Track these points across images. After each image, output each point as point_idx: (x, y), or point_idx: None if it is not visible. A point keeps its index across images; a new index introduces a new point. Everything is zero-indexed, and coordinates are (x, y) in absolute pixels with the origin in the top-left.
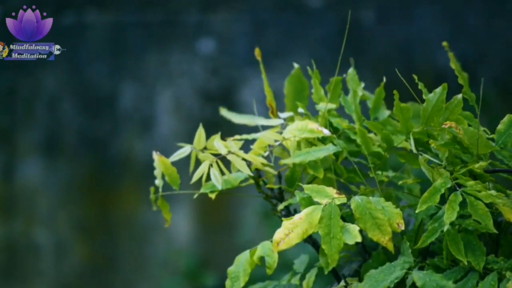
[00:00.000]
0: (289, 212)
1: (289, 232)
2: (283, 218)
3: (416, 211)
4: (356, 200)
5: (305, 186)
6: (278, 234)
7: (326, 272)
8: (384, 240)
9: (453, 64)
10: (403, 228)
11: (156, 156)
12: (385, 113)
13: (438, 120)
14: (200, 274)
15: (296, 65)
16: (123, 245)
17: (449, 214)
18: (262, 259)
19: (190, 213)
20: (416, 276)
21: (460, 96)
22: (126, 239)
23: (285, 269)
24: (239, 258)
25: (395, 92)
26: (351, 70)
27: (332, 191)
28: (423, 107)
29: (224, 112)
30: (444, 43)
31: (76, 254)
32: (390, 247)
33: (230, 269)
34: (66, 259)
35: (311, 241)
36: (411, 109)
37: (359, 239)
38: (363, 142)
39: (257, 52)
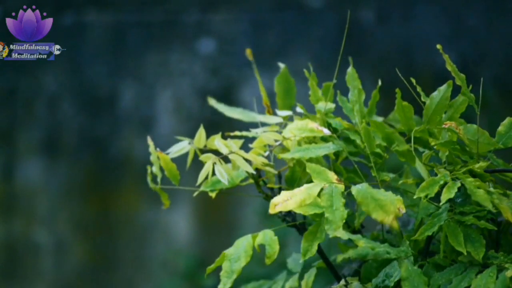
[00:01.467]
0: (289, 212)
1: (288, 199)
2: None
3: (414, 197)
4: (356, 188)
5: (307, 164)
6: (277, 198)
7: (302, 259)
8: (389, 219)
9: (449, 66)
10: (404, 211)
11: (151, 141)
12: (378, 118)
13: (440, 118)
14: (199, 274)
15: (282, 65)
16: (123, 245)
17: (446, 195)
18: (262, 247)
19: (190, 213)
20: (406, 266)
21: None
22: (126, 239)
23: (284, 269)
24: (239, 242)
25: (397, 90)
26: (350, 69)
27: (332, 175)
28: (426, 105)
29: (213, 103)
30: (438, 46)
31: (76, 254)
32: (395, 225)
33: (229, 252)
34: (66, 259)
35: (304, 230)
36: (412, 108)
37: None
38: (366, 140)
39: (248, 52)
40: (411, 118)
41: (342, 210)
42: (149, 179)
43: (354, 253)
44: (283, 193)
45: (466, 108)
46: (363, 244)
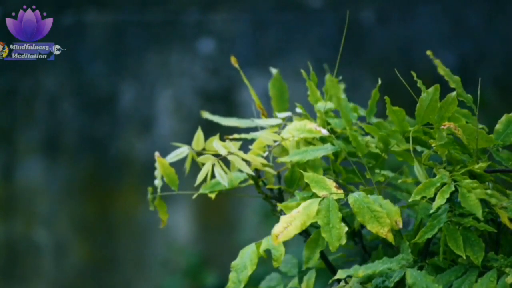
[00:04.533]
0: None
1: (288, 225)
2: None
3: (410, 200)
4: (353, 196)
5: (305, 174)
6: (277, 227)
7: (305, 267)
8: (384, 231)
9: (441, 70)
10: (401, 226)
11: (158, 156)
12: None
13: (433, 118)
14: (200, 273)
15: (274, 70)
16: (123, 245)
17: (439, 201)
18: (267, 252)
19: (190, 212)
20: (409, 273)
21: (454, 94)
22: (126, 239)
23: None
24: (244, 251)
25: (386, 98)
26: (328, 76)
27: (331, 183)
28: (418, 107)
29: (208, 115)
30: (428, 52)
31: (76, 254)
32: (390, 238)
33: (235, 262)
34: (66, 259)
35: (306, 234)
36: (403, 110)
37: (343, 241)
38: (356, 145)
39: (233, 60)
40: (403, 120)
41: (339, 227)
42: (150, 196)
43: (357, 280)
44: (281, 219)
45: (465, 108)
46: (362, 274)
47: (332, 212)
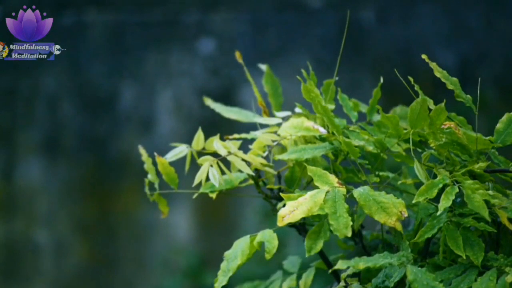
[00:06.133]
0: None
1: (294, 209)
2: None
3: (413, 201)
4: (358, 191)
5: (308, 167)
6: (284, 210)
7: (307, 255)
8: (392, 221)
9: (438, 73)
10: (406, 215)
11: (143, 150)
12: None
13: (425, 125)
14: (200, 273)
15: (264, 67)
16: (123, 245)
17: (444, 202)
18: (261, 245)
19: (190, 212)
20: (410, 270)
21: (443, 104)
22: (126, 238)
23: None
24: (237, 243)
25: (378, 107)
26: (308, 84)
27: (333, 179)
28: (409, 114)
29: (210, 102)
30: (424, 56)
31: (76, 254)
32: (399, 227)
33: (228, 252)
34: (66, 259)
35: (306, 233)
36: (397, 116)
37: (349, 234)
38: (349, 150)
39: (238, 55)
40: (397, 125)
41: (346, 216)
42: (146, 189)
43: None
44: (288, 203)
45: (463, 110)
46: (363, 266)
47: (339, 203)
